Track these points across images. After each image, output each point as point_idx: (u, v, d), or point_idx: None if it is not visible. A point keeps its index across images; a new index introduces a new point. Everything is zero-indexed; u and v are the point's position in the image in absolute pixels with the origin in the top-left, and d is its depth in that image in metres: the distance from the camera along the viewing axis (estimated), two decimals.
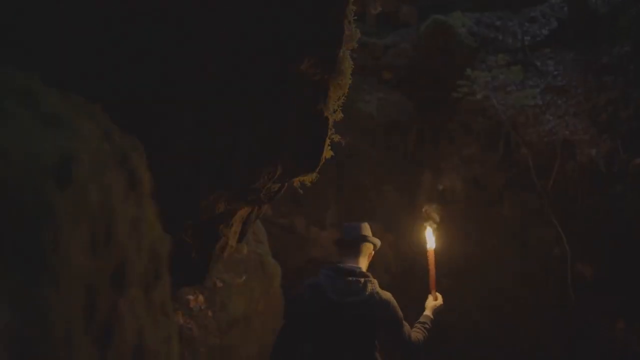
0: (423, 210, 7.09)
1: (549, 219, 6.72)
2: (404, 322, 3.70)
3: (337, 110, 3.58)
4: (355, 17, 3.07)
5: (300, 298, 3.73)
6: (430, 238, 4.35)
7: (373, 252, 3.94)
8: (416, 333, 3.82)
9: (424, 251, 4.34)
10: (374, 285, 3.68)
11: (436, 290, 4.18)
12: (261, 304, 5.58)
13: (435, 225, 4.54)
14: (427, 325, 3.92)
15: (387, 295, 3.70)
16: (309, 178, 5.00)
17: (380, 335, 3.72)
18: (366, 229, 3.92)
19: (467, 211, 7.71)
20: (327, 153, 3.84)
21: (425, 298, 4.15)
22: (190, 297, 5.04)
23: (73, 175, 1.04)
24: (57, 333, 1.01)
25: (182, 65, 2.41)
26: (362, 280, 3.65)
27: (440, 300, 4.13)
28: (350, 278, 3.64)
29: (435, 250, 4.31)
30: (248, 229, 4.87)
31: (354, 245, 3.82)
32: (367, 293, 3.61)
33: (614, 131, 6.61)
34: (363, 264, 3.79)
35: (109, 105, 1.67)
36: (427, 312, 4.03)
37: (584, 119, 6.95)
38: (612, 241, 6.44)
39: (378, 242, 3.96)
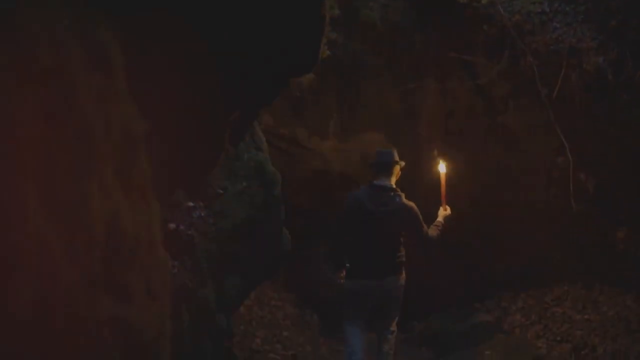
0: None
1: (553, 128, 6.64)
2: (423, 223, 5.20)
3: (333, 6, 3.49)
4: None
5: (346, 207, 5.29)
6: (442, 167, 5.77)
7: (400, 172, 5.32)
8: (432, 231, 5.28)
9: (438, 176, 5.77)
10: (401, 197, 5.14)
11: (446, 204, 5.61)
12: (261, 212, 5.58)
13: (444, 160, 5.92)
14: (440, 227, 5.36)
15: (410, 204, 5.17)
16: (307, 79, 4.94)
17: (404, 233, 5.21)
18: (395, 154, 5.37)
19: (470, 120, 7.63)
20: (324, 52, 3.82)
21: (437, 209, 5.58)
22: (191, 204, 5.04)
23: (13, 18, 0.96)
24: None
25: None
26: (392, 194, 5.12)
27: (449, 211, 5.56)
28: (383, 193, 5.11)
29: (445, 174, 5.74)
30: (244, 133, 4.83)
31: (387, 167, 5.22)
32: (395, 203, 5.09)
33: (622, 39, 6.42)
34: (393, 181, 5.22)
35: None
36: (440, 218, 5.46)
37: (592, 26, 6.73)
38: (616, 151, 6.38)
39: (403, 164, 5.36)
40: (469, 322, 6.69)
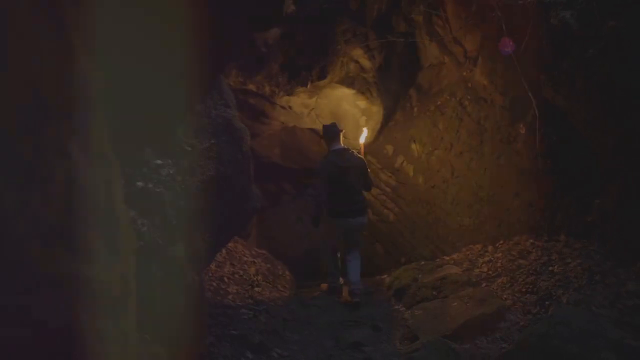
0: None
1: (520, 83, 6.67)
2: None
3: None
4: None
5: (326, 167, 7.07)
6: (361, 138, 7.83)
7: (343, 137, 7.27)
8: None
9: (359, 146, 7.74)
10: (355, 153, 7.16)
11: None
12: (230, 168, 5.57)
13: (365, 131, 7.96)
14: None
15: (361, 156, 7.27)
16: (273, 35, 4.85)
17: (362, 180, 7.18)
18: (339, 124, 7.29)
19: (439, 74, 7.64)
20: (289, 7, 3.77)
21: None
22: (159, 161, 4.99)
23: None
24: None
25: None
26: (350, 152, 7.13)
27: None
28: (344, 153, 7.09)
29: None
30: (210, 89, 4.77)
31: (337, 135, 7.15)
32: (354, 158, 7.11)
33: None
34: (343, 143, 7.17)
35: None
36: None
37: None
38: (582, 105, 6.42)
39: (344, 130, 7.40)
40: (437, 274, 6.79)
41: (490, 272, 6.70)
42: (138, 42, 2.27)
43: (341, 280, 7.68)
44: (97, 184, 1.65)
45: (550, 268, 6.20)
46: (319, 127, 8.88)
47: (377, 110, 8.01)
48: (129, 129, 2.93)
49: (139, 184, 4.68)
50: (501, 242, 7.21)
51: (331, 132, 7.14)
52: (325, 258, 7.74)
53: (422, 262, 7.55)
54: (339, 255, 7.65)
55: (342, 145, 7.16)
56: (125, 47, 2.06)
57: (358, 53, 7.88)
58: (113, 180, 1.75)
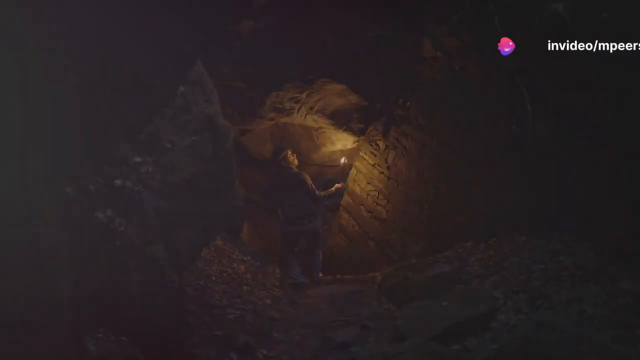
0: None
1: (512, 77, 6.54)
2: None
3: None
4: None
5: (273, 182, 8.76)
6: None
7: None
8: None
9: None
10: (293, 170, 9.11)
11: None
12: (212, 166, 5.46)
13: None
14: None
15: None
16: (248, 27, 4.72)
17: None
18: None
19: (432, 70, 7.54)
20: None
21: None
22: (138, 159, 4.87)
23: None
24: None
25: None
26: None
27: None
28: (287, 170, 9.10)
29: None
30: (181, 81, 4.67)
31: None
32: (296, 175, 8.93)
33: None
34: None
35: None
36: None
37: None
38: (574, 99, 6.30)
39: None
40: (428, 273, 6.67)
41: (482, 271, 6.58)
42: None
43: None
44: (13, 195, 1.52)
45: (542, 266, 6.09)
46: (310, 122, 8.78)
47: (368, 105, 7.90)
48: (102, 124, 2.80)
49: (117, 182, 4.57)
50: (494, 239, 7.10)
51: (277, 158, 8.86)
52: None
53: (414, 260, 7.45)
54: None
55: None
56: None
57: (350, 47, 7.76)
58: (34, 189, 1.62)
